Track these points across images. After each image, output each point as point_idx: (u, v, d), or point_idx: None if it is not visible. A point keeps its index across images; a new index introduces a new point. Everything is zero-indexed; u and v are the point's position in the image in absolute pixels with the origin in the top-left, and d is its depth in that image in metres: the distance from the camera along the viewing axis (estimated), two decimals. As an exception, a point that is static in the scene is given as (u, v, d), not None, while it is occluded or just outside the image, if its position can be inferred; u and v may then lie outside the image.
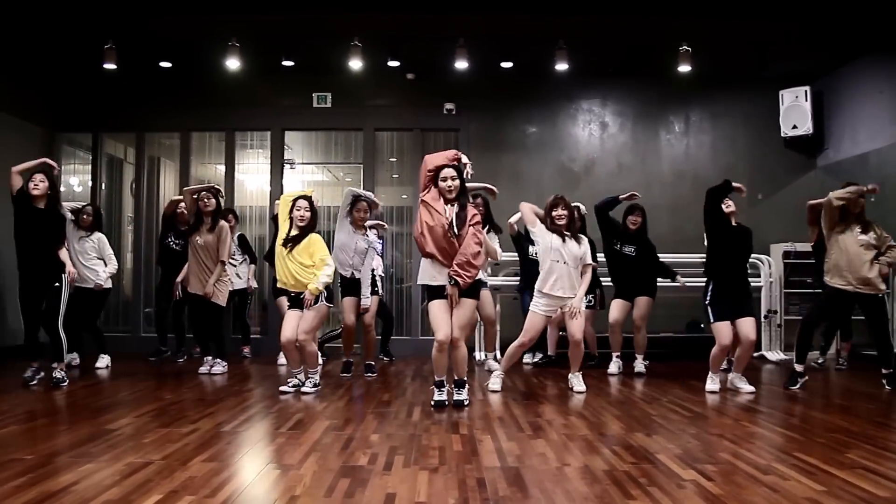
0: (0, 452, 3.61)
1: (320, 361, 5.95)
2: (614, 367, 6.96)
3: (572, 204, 5.92)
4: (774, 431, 4.34)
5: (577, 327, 5.70)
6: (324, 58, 8.19)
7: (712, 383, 5.85)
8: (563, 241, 5.69)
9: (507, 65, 8.21)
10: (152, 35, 7.63)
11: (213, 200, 6.89)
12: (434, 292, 5.03)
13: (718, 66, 8.65)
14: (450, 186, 4.97)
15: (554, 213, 5.71)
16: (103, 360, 7.20)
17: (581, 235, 5.88)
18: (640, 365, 6.96)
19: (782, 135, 9.11)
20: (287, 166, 9.17)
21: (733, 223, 5.92)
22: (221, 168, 9.21)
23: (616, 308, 6.96)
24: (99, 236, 7.26)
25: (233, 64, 7.78)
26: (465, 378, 5.16)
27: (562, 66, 7.88)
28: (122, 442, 3.89)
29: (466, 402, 5.07)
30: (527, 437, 4.09)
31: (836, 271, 5.93)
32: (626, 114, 9.33)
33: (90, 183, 9.27)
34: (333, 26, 7.37)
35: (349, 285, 6.49)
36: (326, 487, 3.06)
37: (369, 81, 8.69)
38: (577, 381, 5.85)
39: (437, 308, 5.00)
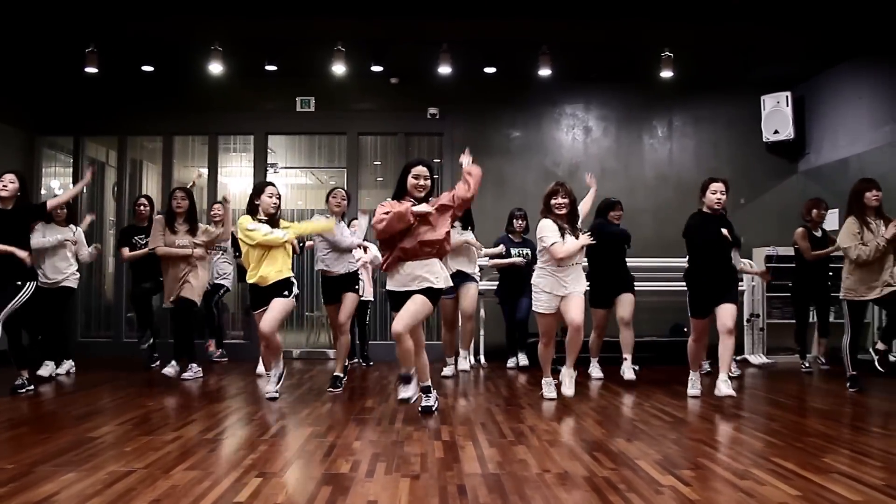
0: (-21, 462, 3.60)
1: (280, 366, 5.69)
2: (597, 370, 6.95)
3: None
4: (754, 436, 4.37)
5: (577, 310, 5.29)
6: (307, 62, 8.19)
7: (692, 387, 5.79)
8: (563, 235, 5.30)
9: (490, 70, 8.26)
10: (135, 39, 7.59)
11: (187, 202, 6.74)
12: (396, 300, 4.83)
13: (701, 71, 8.73)
14: (420, 185, 4.77)
15: (553, 202, 5.34)
16: (47, 368, 6.74)
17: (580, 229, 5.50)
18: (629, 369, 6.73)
19: (764, 139, 9.21)
20: (270, 170, 9.15)
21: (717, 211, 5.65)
22: (204, 171, 9.19)
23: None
24: (77, 231, 7.02)
25: (216, 68, 7.76)
26: (415, 378, 4.84)
27: (545, 72, 7.93)
28: (103, 450, 3.88)
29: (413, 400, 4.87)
30: (508, 443, 4.11)
31: None
32: (609, 118, 9.39)
33: (71, 186, 9.20)
34: (317, 31, 7.36)
35: (337, 285, 6.07)
36: (308, 495, 3.06)
37: (353, 86, 8.70)
38: (567, 380, 5.47)
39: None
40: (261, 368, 6.86)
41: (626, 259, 7.02)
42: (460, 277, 6.86)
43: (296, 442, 4.12)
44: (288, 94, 9.02)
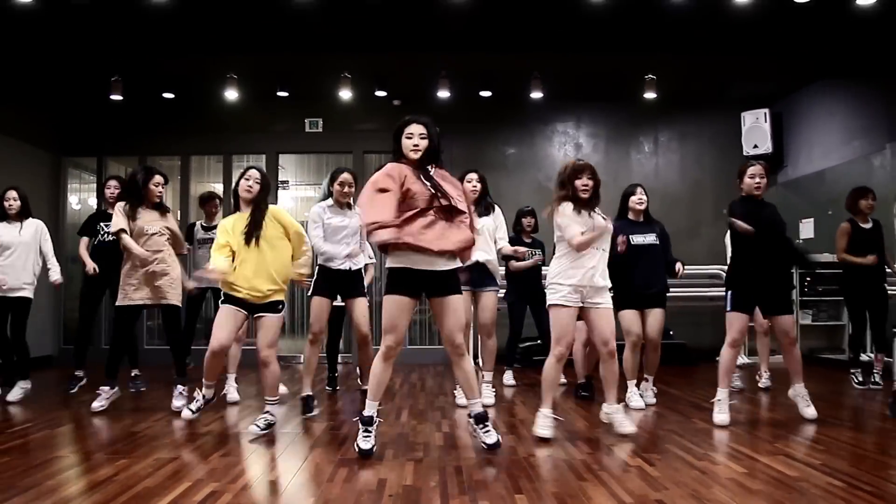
0: (42, 452, 4.18)
1: (282, 389, 5.44)
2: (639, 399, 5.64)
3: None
4: (721, 427, 4.87)
5: (608, 328, 4.49)
6: (315, 88, 8.80)
7: (721, 411, 4.87)
8: (591, 216, 4.50)
9: (485, 94, 8.86)
10: (157, 70, 8.23)
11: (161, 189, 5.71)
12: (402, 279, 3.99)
13: (684, 90, 9.31)
14: (416, 145, 4.00)
15: (578, 182, 4.46)
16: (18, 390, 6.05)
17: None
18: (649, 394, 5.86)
19: (744, 153, 9.75)
20: (281, 187, 9.75)
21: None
22: (219, 186, 9.78)
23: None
24: (35, 225, 6.26)
25: (231, 94, 8.39)
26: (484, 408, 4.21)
27: (536, 95, 8.54)
28: (147, 441, 4.44)
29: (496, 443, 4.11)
30: (501, 433, 4.67)
31: None
32: (598, 135, 9.98)
33: (90, 202, 9.81)
34: (325, 63, 8.00)
35: (335, 280, 5.39)
36: (328, 475, 3.64)
37: (358, 108, 9.29)
38: (623, 417, 4.62)
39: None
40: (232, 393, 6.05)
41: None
42: (478, 273, 5.61)
43: (314, 434, 4.70)
44: (297, 117, 9.63)
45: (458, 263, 4.09)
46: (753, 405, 5.93)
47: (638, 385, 5.70)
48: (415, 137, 4.00)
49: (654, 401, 5.80)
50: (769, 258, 4.89)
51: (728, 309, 4.98)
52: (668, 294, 5.84)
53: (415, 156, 3.98)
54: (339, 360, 7.40)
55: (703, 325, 9.18)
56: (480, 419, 4.12)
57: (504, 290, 6.99)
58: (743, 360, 8.90)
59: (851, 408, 5.87)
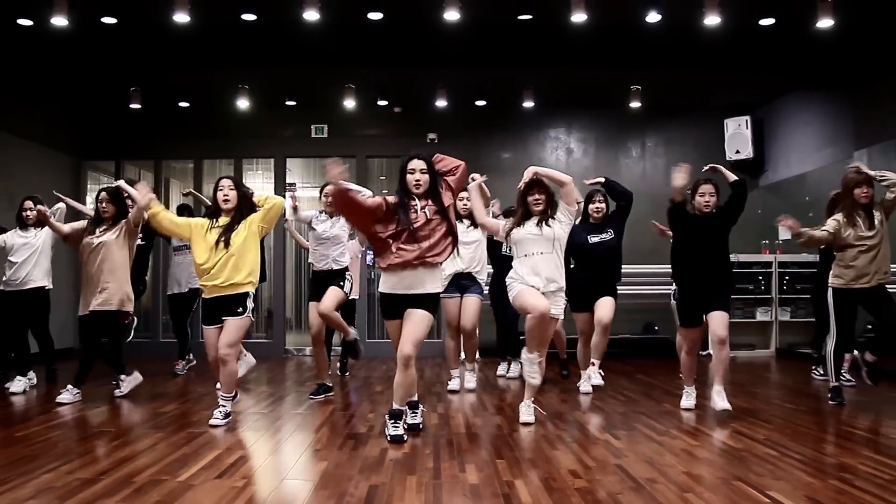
0: (87, 427, 4.78)
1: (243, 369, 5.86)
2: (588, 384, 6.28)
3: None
4: (687, 410, 5.42)
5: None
6: (321, 97, 9.39)
7: (687, 399, 5.45)
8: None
9: (481, 103, 9.45)
10: (174, 83, 8.82)
11: (112, 207, 5.99)
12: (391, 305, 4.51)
13: (669, 100, 9.88)
14: (418, 180, 4.43)
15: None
16: (20, 383, 6.30)
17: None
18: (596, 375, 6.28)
19: (727, 158, 10.29)
20: (288, 193, 10.30)
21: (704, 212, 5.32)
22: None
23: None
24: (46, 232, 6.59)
25: (242, 103, 8.98)
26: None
27: (529, 104, 9.12)
28: (175, 420, 5.03)
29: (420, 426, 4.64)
30: (489, 414, 5.27)
31: None
32: (589, 140, 10.55)
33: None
34: (332, 76, 8.63)
35: (322, 281, 5.93)
36: (339, 445, 4.23)
37: (361, 115, 9.86)
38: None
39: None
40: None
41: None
42: (465, 280, 6.37)
43: (325, 414, 5.29)
44: (304, 123, 10.21)
45: (437, 286, 4.55)
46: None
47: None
48: (416, 173, 4.44)
49: (601, 383, 6.17)
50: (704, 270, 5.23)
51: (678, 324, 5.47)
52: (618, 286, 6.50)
53: (417, 191, 4.43)
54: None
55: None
56: (392, 416, 4.41)
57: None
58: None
59: (812, 396, 6.41)
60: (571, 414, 5.29)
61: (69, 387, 5.81)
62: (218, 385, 5.00)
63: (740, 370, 8.11)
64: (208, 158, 10.41)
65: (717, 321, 5.10)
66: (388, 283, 4.46)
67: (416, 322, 4.37)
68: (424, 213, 4.41)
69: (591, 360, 6.22)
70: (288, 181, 10.37)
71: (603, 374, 6.28)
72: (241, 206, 4.89)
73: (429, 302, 4.45)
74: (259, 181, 10.68)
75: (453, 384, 6.42)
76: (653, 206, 9.93)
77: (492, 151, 10.40)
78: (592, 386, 6.16)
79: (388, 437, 4.28)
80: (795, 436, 4.47)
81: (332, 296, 5.80)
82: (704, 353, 9.31)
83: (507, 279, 4.92)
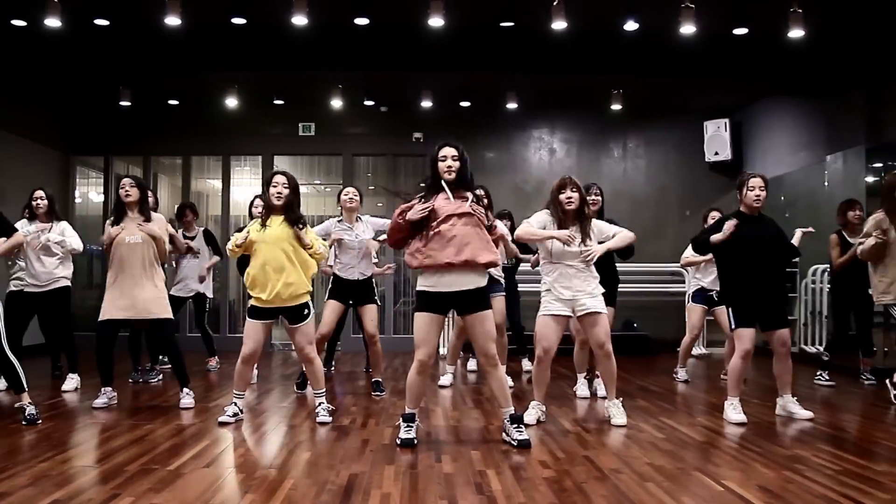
0: (82, 418, 4.96)
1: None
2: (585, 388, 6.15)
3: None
4: (659, 406, 5.64)
5: (603, 332, 4.83)
6: (309, 96, 9.58)
7: (734, 411, 4.93)
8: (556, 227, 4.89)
9: (465, 104, 9.65)
10: (164, 82, 8.98)
11: (136, 190, 5.43)
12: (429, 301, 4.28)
13: (649, 103, 10.12)
14: (450, 166, 4.27)
15: (562, 196, 4.87)
16: (72, 382, 6.22)
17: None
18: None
19: (706, 160, 10.56)
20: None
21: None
22: (217, 183, 10.49)
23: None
24: (63, 225, 6.46)
25: (231, 101, 9.15)
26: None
27: (512, 105, 9.34)
28: (171, 409, 5.22)
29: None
30: (468, 408, 5.48)
31: None
32: (571, 141, 10.77)
33: (96, 198, 10.58)
34: (319, 77, 8.83)
35: (347, 288, 5.98)
36: (322, 437, 4.43)
37: (348, 114, 10.04)
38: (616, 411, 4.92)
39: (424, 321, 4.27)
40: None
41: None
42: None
43: (308, 407, 5.47)
44: (291, 121, 10.37)
45: (484, 280, 4.33)
46: (695, 389, 6.74)
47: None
48: (448, 160, 4.29)
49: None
50: (766, 275, 4.96)
51: (732, 327, 4.99)
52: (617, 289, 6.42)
53: (448, 177, 4.26)
54: (338, 347, 8.25)
55: (666, 319, 9.93)
56: (515, 420, 4.30)
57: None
58: (700, 350, 9.73)
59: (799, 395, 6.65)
60: (550, 410, 5.49)
61: (104, 389, 5.44)
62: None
63: (718, 367, 8.36)
64: (196, 155, 10.57)
65: (786, 333, 5.01)
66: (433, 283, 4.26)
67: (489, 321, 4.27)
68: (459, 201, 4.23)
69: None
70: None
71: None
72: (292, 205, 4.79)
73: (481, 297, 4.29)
74: (246, 177, 10.83)
75: (445, 379, 6.54)
76: (633, 205, 10.23)
77: (476, 151, 10.57)
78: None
79: (398, 441, 4.19)
80: (761, 430, 4.69)
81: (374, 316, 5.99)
82: (702, 353, 9.66)
83: (541, 290, 4.85)
